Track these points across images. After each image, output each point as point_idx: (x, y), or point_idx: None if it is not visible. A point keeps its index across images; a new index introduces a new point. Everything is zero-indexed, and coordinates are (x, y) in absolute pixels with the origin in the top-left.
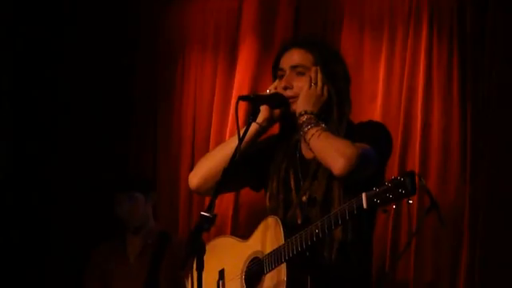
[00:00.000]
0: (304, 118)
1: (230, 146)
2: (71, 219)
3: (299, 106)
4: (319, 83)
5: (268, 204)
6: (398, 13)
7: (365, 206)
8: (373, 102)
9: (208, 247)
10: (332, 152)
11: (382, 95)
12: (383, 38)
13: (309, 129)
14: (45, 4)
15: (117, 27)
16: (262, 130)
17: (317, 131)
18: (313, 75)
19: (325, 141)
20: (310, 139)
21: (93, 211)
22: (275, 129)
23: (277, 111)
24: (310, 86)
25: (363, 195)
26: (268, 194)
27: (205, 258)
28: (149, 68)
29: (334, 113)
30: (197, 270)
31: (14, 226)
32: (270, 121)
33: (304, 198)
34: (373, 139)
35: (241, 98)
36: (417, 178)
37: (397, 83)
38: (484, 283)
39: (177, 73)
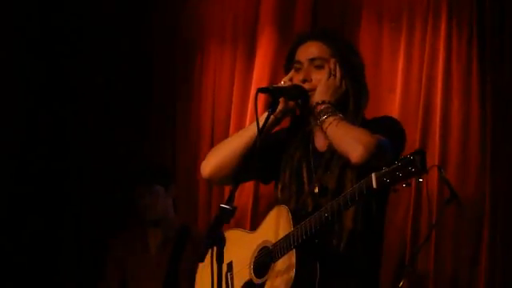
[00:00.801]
0: (321, 107)
1: (243, 135)
2: (90, 211)
3: (317, 96)
4: (338, 75)
5: (280, 195)
6: (416, 4)
7: (374, 185)
8: (392, 94)
9: None
10: (350, 140)
11: (401, 87)
12: (402, 30)
13: (326, 117)
14: None
15: (135, 19)
16: (277, 121)
17: (334, 120)
18: (332, 66)
19: (342, 129)
20: (327, 128)
21: (112, 203)
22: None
23: (291, 103)
24: (329, 76)
25: (372, 175)
26: (280, 185)
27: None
28: (167, 61)
29: (351, 105)
30: (217, 262)
31: (31, 216)
32: (284, 112)
33: (316, 190)
34: (388, 132)
35: (260, 90)
36: (437, 169)
37: (416, 75)
38: (505, 275)
39: (195, 65)
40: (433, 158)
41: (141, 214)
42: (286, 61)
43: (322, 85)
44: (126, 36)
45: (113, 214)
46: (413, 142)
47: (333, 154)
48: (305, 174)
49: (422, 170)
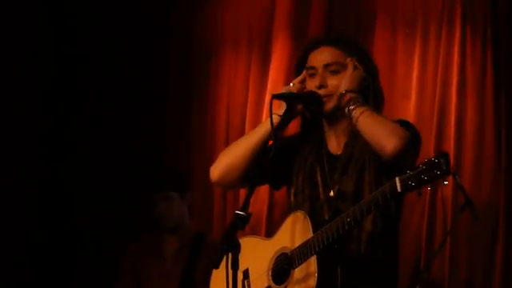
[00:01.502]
0: (351, 96)
1: (252, 137)
2: (105, 217)
3: (343, 86)
4: (361, 68)
5: (293, 200)
6: (431, 9)
7: (399, 189)
8: (406, 100)
9: None
10: (385, 131)
11: (416, 92)
12: (416, 35)
13: (356, 107)
14: None
15: (150, 25)
16: (283, 124)
17: (366, 110)
18: (354, 62)
19: (377, 119)
20: (358, 117)
21: (128, 210)
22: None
23: (299, 106)
24: (354, 69)
25: (397, 179)
26: (293, 190)
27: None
28: (182, 67)
29: (371, 101)
30: (232, 268)
31: (45, 222)
32: (291, 116)
33: (332, 193)
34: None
35: (275, 96)
36: (451, 175)
37: (430, 80)
38: None
39: (210, 71)
40: None
41: (156, 221)
42: (297, 65)
43: (347, 76)
44: (141, 41)
45: (128, 220)
46: (427, 147)
47: (349, 157)
48: (319, 178)
49: (448, 172)
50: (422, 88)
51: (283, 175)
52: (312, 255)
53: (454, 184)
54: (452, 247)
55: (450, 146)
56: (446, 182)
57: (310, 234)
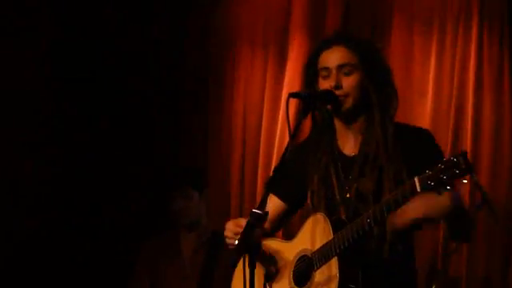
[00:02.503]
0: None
1: None
2: (122, 214)
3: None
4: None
5: (310, 201)
6: (447, 8)
7: (418, 189)
8: (423, 98)
9: None
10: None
11: (433, 91)
12: (433, 34)
13: None
14: None
15: (167, 24)
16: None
17: None
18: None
19: None
20: None
21: (146, 207)
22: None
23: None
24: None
25: (416, 179)
26: (309, 192)
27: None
28: (199, 66)
29: (376, 116)
30: (249, 267)
31: (62, 220)
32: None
33: (348, 195)
34: (437, 156)
35: (291, 95)
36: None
37: (447, 78)
38: None
39: (227, 70)
40: None
41: (174, 218)
42: (308, 63)
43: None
44: (157, 40)
45: (147, 217)
46: (445, 145)
47: (366, 157)
48: (334, 179)
49: (467, 170)
50: (439, 87)
51: (303, 185)
52: (333, 257)
53: (471, 182)
54: (469, 245)
55: (467, 145)
56: (465, 181)
57: (331, 236)
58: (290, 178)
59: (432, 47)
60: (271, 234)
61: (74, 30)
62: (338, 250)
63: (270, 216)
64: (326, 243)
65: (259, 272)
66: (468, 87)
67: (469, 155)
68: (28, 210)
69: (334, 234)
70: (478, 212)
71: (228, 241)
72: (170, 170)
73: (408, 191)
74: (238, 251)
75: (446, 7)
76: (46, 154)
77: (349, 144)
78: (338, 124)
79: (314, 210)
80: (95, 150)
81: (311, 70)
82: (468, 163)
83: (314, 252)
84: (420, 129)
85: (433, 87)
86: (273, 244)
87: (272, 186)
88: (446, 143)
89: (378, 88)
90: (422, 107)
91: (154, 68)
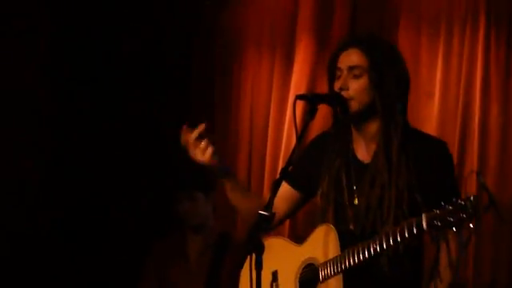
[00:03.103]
0: None
1: None
2: (129, 215)
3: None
4: None
5: (319, 201)
6: (455, 9)
7: (424, 227)
8: (430, 99)
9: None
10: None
11: (440, 92)
12: (440, 36)
13: None
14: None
15: (173, 27)
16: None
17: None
18: None
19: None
20: None
21: (152, 209)
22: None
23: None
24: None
25: (423, 216)
26: (320, 191)
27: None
28: (205, 69)
29: (382, 124)
30: (255, 268)
31: (70, 221)
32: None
33: (356, 202)
34: (451, 179)
35: (298, 97)
36: (475, 175)
37: (454, 80)
38: None
39: (233, 73)
40: (471, 163)
41: (181, 221)
42: (329, 63)
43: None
44: (165, 43)
45: (154, 220)
46: (451, 147)
47: (376, 167)
48: (344, 184)
49: (474, 215)
50: (446, 88)
51: (314, 180)
52: (338, 274)
53: (477, 184)
54: (476, 248)
55: (474, 146)
56: (471, 225)
57: (337, 251)
58: (304, 170)
59: (439, 49)
60: (280, 222)
61: (76, 29)
62: (343, 268)
63: (281, 203)
64: (334, 258)
65: (267, 269)
66: (475, 88)
67: (476, 156)
68: (34, 212)
69: (341, 249)
70: (485, 214)
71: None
72: (176, 172)
73: (415, 227)
74: (245, 252)
75: (453, 8)
76: (51, 156)
77: (362, 149)
78: (352, 126)
79: (323, 215)
80: (100, 153)
81: (331, 70)
82: (475, 209)
83: (320, 264)
84: (436, 142)
85: (440, 89)
86: (281, 243)
87: (286, 175)
88: (453, 144)
89: (385, 95)
90: (429, 108)
91: (161, 69)
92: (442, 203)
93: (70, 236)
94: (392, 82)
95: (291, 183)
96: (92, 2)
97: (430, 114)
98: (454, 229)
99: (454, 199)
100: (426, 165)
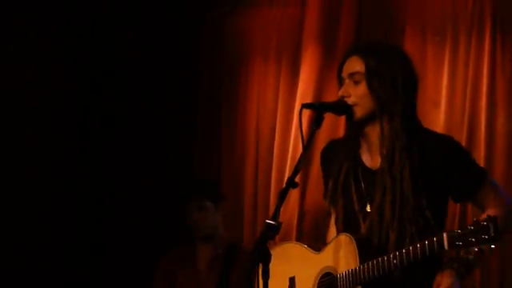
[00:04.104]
0: None
1: None
2: (139, 225)
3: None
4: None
5: (329, 206)
6: (460, 19)
7: (446, 246)
8: (436, 108)
9: (276, 250)
10: None
11: (446, 100)
12: (446, 44)
13: None
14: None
15: (180, 35)
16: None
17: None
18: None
19: None
20: None
21: (161, 218)
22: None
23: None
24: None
25: (444, 236)
26: (328, 194)
27: (273, 261)
28: (212, 77)
29: (384, 127)
30: (262, 278)
31: (80, 232)
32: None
33: (368, 208)
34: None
35: (304, 105)
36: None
37: (460, 88)
38: None
39: (240, 81)
40: None
41: (191, 230)
42: (337, 71)
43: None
44: (171, 53)
45: (163, 230)
46: None
47: (383, 172)
48: (353, 190)
49: (496, 238)
50: (452, 96)
51: None
52: (357, 286)
53: None
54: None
55: (481, 154)
56: (493, 247)
57: (357, 262)
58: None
59: (445, 57)
60: None
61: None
62: (362, 281)
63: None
64: (353, 270)
65: (284, 274)
66: (481, 96)
67: (482, 164)
68: (45, 222)
69: (361, 261)
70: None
71: None
72: (186, 182)
73: (436, 246)
74: (252, 262)
75: (458, 16)
76: (59, 164)
77: (369, 155)
78: (362, 133)
79: (337, 224)
80: (111, 163)
81: (338, 79)
82: (497, 232)
83: (340, 274)
84: (444, 137)
85: (446, 96)
86: (298, 249)
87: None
88: None
89: (382, 100)
90: (435, 116)
91: (168, 80)
92: (467, 226)
93: (81, 247)
94: (388, 85)
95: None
96: (100, 7)
97: (436, 121)
98: (476, 249)
99: (474, 219)
100: (436, 164)
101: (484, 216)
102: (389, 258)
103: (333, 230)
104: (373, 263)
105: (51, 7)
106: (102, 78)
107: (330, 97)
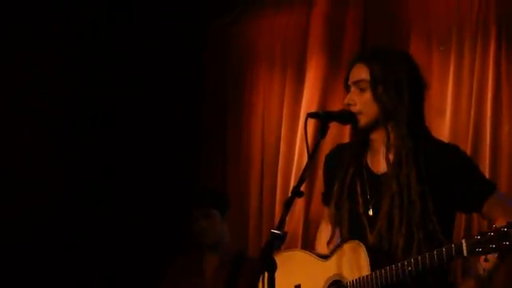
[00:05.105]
0: None
1: None
2: (146, 234)
3: None
4: None
5: (333, 211)
6: (465, 26)
7: (465, 253)
8: (441, 117)
9: (282, 257)
10: None
11: (451, 108)
12: (451, 53)
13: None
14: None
15: (185, 43)
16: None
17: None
18: None
19: None
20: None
21: (168, 226)
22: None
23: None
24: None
25: (463, 242)
26: (333, 199)
27: (279, 268)
28: (217, 85)
29: (390, 134)
30: (268, 286)
31: (89, 240)
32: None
33: (371, 213)
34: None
35: (310, 114)
36: None
37: (465, 97)
38: None
39: (245, 90)
40: None
41: (197, 238)
42: (344, 79)
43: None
44: (176, 61)
45: (169, 238)
46: None
47: (392, 180)
48: (359, 196)
49: None
50: (457, 104)
51: None
52: None
53: None
54: None
55: (486, 162)
56: None
57: (367, 269)
58: (330, 185)
59: (450, 64)
60: None
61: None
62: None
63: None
64: (364, 278)
65: (290, 282)
66: (486, 104)
67: (488, 172)
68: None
69: (371, 268)
70: None
71: None
72: (191, 190)
73: (454, 253)
74: (258, 271)
75: (463, 24)
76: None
77: (375, 160)
78: (367, 139)
79: (335, 221)
80: (113, 172)
81: (345, 86)
82: None
83: (350, 282)
84: (449, 145)
85: (451, 104)
86: (304, 256)
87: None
88: None
89: (387, 106)
90: (440, 124)
91: (174, 88)
92: (487, 232)
93: (85, 256)
94: (393, 92)
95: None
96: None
97: (441, 129)
98: (496, 255)
99: (494, 226)
100: (441, 170)
101: (503, 223)
102: (403, 265)
103: (322, 240)
104: (386, 270)
105: (52, 8)
106: (108, 84)
107: (336, 104)
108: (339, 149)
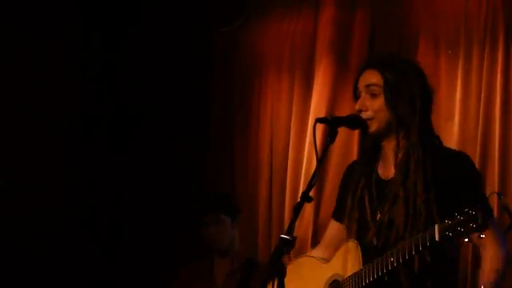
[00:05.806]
0: None
1: None
2: (154, 241)
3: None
4: None
5: (345, 221)
6: (473, 31)
7: (437, 238)
8: (450, 121)
9: (293, 266)
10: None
11: (459, 113)
12: (459, 57)
13: None
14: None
15: (193, 49)
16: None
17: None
18: None
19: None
20: None
21: (177, 233)
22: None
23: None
24: None
25: (436, 227)
26: (345, 212)
27: (290, 276)
28: (225, 91)
29: (400, 141)
30: None
31: (94, 247)
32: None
33: (379, 218)
34: (481, 193)
35: (318, 120)
36: (496, 196)
37: (474, 101)
38: None
39: (253, 95)
40: (492, 185)
41: (207, 244)
42: (353, 84)
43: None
44: (184, 66)
45: (179, 244)
46: None
47: (396, 183)
48: (367, 202)
49: (483, 226)
50: (466, 109)
51: None
52: (363, 287)
53: (499, 205)
54: None
55: (495, 167)
56: (482, 236)
57: (360, 266)
58: (343, 199)
59: (458, 70)
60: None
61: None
62: (367, 281)
63: (331, 241)
64: (356, 273)
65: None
66: (495, 109)
67: (496, 177)
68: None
69: (363, 264)
70: (506, 234)
71: None
72: (201, 196)
73: (427, 238)
74: (267, 277)
75: (471, 29)
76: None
77: (384, 167)
78: (377, 146)
79: (348, 234)
80: (126, 177)
81: (354, 93)
82: (484, 219)
83: (344, 279)
84: (459, 154)
85: (459, 109)
86: (311, 262)
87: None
88: None
89: (400, 113)
90: (449, 129)
91: (182, 93)
92: (456, 214)
93: (96, 262)
94: (406, 99)
95: (339, 220)
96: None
97: (449, 135)
98: (465, 240)
99: (465, 209)
100: (449, 177)
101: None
102: (386, 257)
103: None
104: (373, 264)
105: (64, 10)
106: (114, 87)
107: (344, 109)
108: (354, 165)
